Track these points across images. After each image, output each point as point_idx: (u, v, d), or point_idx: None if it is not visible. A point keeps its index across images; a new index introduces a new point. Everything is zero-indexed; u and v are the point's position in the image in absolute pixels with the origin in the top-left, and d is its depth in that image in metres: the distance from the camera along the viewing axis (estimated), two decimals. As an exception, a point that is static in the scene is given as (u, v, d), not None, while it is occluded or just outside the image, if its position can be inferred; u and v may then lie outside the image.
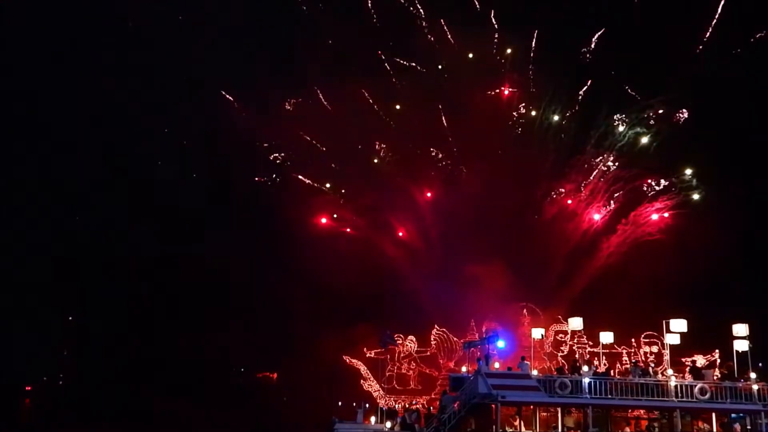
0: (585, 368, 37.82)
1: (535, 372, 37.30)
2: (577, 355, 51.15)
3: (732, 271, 53.86)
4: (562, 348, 57.18)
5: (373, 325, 52.11)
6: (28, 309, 64.67)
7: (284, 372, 66.32)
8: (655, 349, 51.47)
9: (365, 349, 55.51)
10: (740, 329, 36.99)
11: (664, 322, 37.99)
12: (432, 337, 59.21)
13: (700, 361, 50.58)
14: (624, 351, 55.25)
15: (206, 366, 61.67)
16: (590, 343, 52.62)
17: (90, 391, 58.74)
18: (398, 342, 54.66)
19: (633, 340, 54.82)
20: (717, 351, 47.79)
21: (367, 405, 40.65)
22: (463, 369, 43.39)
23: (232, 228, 67.71)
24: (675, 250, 57.72)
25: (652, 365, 42.80)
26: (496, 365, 37.79)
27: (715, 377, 37.29)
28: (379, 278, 62.93)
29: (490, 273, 58.54)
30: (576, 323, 42.11)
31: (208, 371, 61.88)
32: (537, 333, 39.26)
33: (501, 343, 39.19)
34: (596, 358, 52.65)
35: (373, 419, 36.17)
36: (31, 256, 66.96)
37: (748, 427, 35.68)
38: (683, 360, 48.63)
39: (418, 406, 49.80)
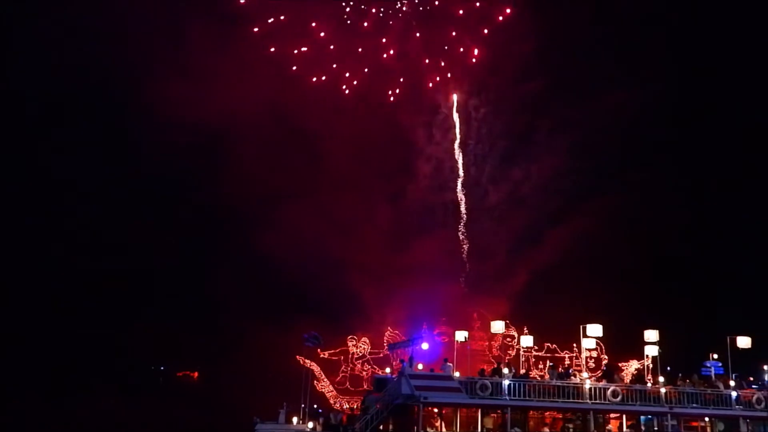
0: (506, 371, 39.04)
1: (457, 374, 38.52)
2: (522, 359, 52.46)
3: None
4: (509, 352, 58.64)
5: (316, 323, 52.51)
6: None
7: (207, 371, 66.30)
8: (595, 354, 52.83)
9: (318, 350, 56.47)
10: (651, 335, 38.40)
11: (581, 327, 39.24)
12: (385, 339, 60.46)
13: (635, 365, 52.14)
14: (567, 355, 56.82)
15: (119, 363, 61.22)
16: (535, 347, 53.98)
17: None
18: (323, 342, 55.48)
19: (574, 345, 56.26)
20: (648, 356, 49.13)
21: (326, 407, 41.39)
22: (387, 370, 44.63)
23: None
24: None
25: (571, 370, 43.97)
26: (419, 366, 39.05)
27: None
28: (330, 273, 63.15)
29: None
30: (498, 326, 43.38)
31: (121, 368, 61.58)
32: (460, 335, 40.44)
33: (425, 345, 40.49)
34: (541, 362, 54.46)
35: (295, 419, 37.21)
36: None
37: (655, 428, 37.02)
38: (620, 365, 50.26)
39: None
